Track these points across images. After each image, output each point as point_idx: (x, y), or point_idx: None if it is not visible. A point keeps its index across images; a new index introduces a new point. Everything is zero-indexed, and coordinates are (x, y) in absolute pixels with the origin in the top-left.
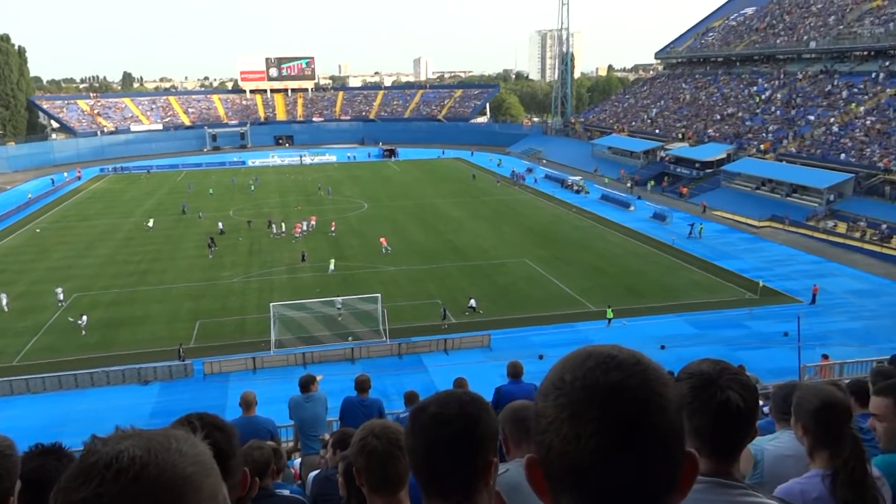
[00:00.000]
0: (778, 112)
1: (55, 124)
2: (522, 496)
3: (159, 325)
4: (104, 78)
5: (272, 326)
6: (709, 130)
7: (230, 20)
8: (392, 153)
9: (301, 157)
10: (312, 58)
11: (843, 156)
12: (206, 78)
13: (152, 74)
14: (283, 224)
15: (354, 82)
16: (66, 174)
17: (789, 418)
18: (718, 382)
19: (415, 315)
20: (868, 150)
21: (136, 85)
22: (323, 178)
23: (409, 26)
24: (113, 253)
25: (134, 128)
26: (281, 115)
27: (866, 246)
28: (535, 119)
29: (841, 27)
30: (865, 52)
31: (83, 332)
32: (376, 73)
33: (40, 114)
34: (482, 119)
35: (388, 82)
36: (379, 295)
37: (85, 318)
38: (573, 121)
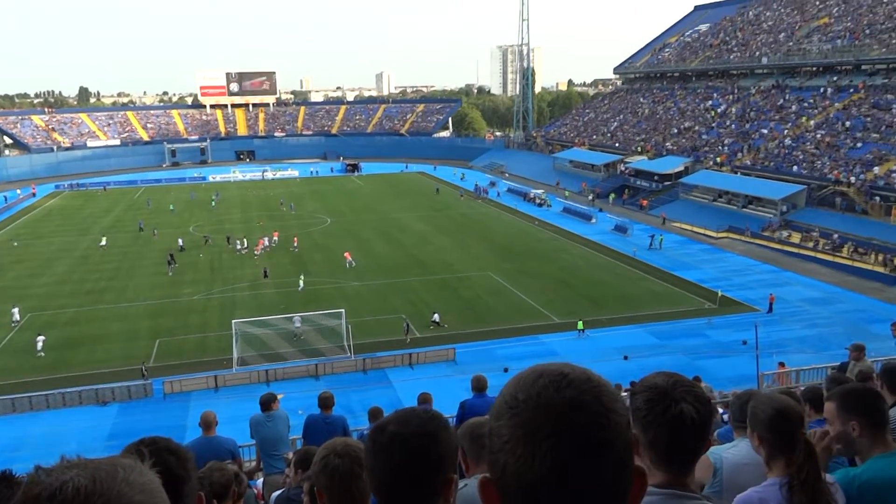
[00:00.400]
0: (733, 126)
1: (8, 140)
2: None
3: (118, 344)
4: (59, 93)
5: (234, 344)
6: (667, 144)
7: (190, 35)
8: (355, 168)
9: (263, 172)
10: (274, 72)
11: (795, 168)
12: (166, 93)
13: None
14: (245, 240)
15: (316, 97)
16: (19, 191)
17: (746, 427)
18: (672, 395)
19: (379, 330)
20: (819, 162)
21: (92, 100)
22: (285, 194)
23: (371, 41)
24: (70, 271)
25: (91, 143)
26: (242, 130)
27: (819, 255)
28: (498, 133)
29: (791, 44)
30: (814, 68)
31: (41, 354)
32: (338, 87)
33: None
34: (445, 133)
35: (350, 97)
36: (343, 310)
37: (42, 338)
38: (535, 135)
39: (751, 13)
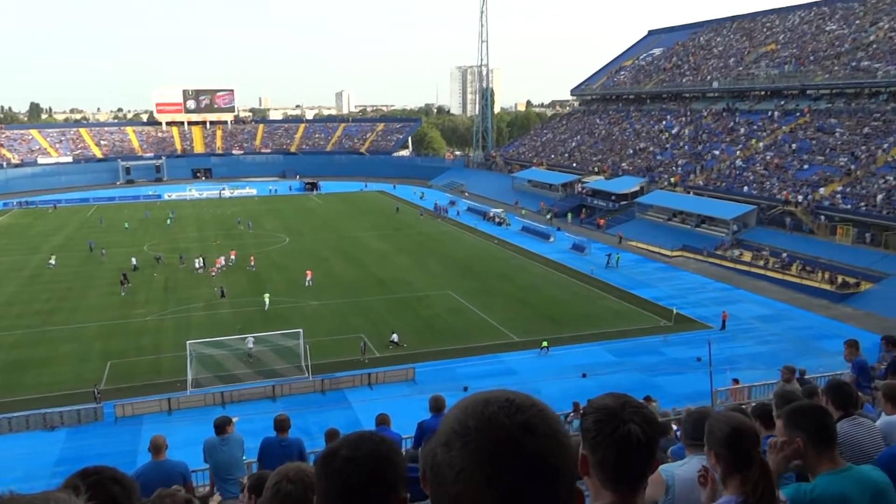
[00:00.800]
0: (686, 147)
1: None
2: None
3: (68, 366)
4: (9, 108)
5: (189, 365)
6: (623, 164)
7: (146, 51)
8: (314, 186)
9: (220, 190)
10: (232, 90)
11: (746, 188)
12: (121, 109)
13: (62, 105)
14: (202, 259)
15: (276, 115)
16: None
17: (699, 444)
18: (621, 416)
19: (338, 350)
20: (768, 183)
21: (44, 116)
22: (243, 212)
23: (331, 60)
24: (18, 291)
25: (41, 160)
26: (199, 148)
27: (769, 273)
28: (457, 153)
29: (740, 68)
30: (762, 92)
31: None
32: (298, 106)
33: None
34: (405, 152)
35: (310, 115)
36: (301, 330)
37: None
38: (494, 154)
39: (702, 39)
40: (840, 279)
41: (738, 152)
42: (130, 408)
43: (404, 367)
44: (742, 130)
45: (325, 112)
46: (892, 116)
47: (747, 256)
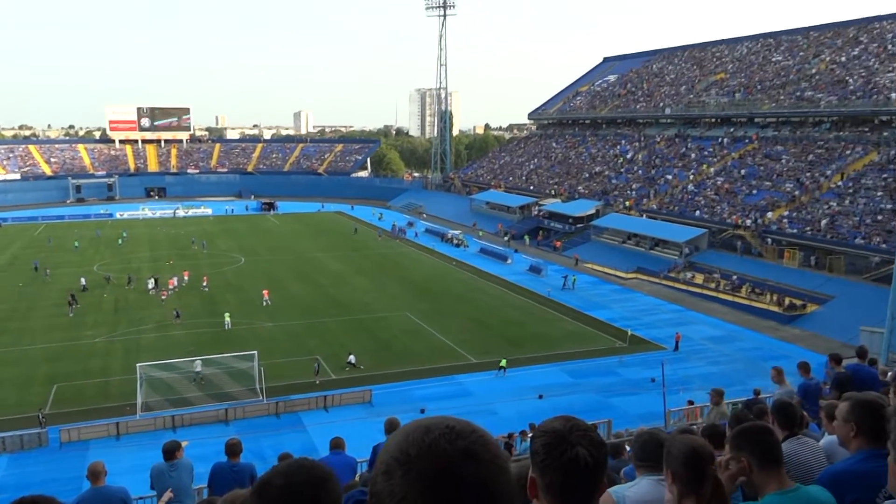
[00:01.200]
0: (640, 171)
1: None
2: None
3: (11, 390)
4: None
5: (138, 388)
6: (579, 187)
7: (99, 67)
8: (271, 206)
9: (175, 209)
10: (188, 108)
11: (697, 212)
12: (72, 126)
13: (10, 121)
14: (154, 280)
15: (232, 134)
16: None
17: (648, 465)
18: (569, 439)
19: (294, 372)
20: (718, 207)
21: None
22: (197, 232)
23: (290, 80)
24: None
25: None
26: (153, 167)
27: (720, 295)
28: (416, 174)
29: (691, 96)
30: (713, 119)
31: None
32: (255, 125)
33: None
34: (363, 173)
35: (267, 135)
36: (256, 352)
37: None
38: (452, 176)
39: (655, 66)
40: (787, 301)
41: (690, 177)
42: (76, 433)
43: (361, 390)
44: (693, 156)
45: (284, 132)
46: (835, 144)
47: (699, 279)
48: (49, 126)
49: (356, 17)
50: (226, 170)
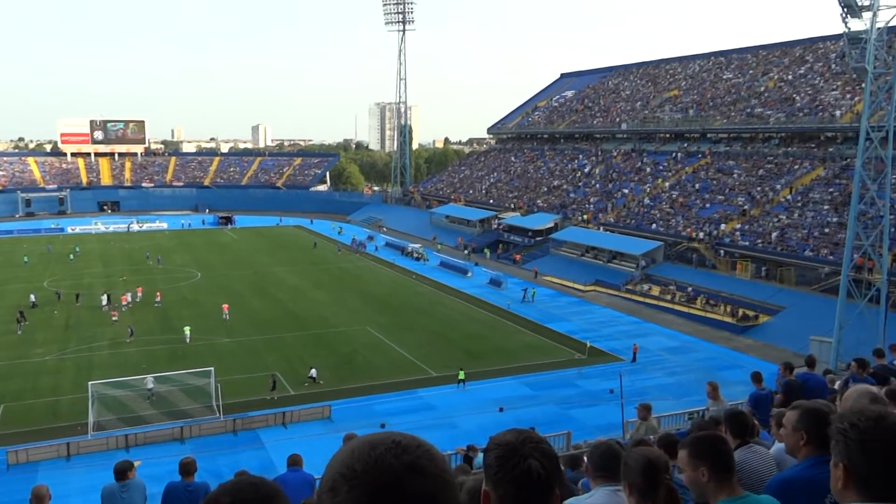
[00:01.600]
0: (597, 185)
1: None
2: None
3: None
4: None
5: (90, 407)
6: (538, 201)
7: (50, 79)
8: (228, 220)
9: (129, 224)
10: (143, 121)
11: (653, 225)
12: (22, 139)
13: None
14: (107, 296)
15: (189, 147)
16: None
17: (604, 475)
18: (522, 451)
19: (251, 388)
20: (674, 220)
21: None
22: (152, 247)
23: (248, 94)
24: None
25: None
26: (106, 180)
27: (676, 307)
28: (376, 188)
29: (646, 112)
30: (667, 135)
31: None
32: (213, 139)
33: None
34: (322, 187)
35: (225, 149)
36: (212, 368)
37: None
38: (412, 190)
39: (611, 83)
40: (741, 312)
41: (646, 190)
42: (25, 454)
43: (320, 405)
44: (649, 170)
45: (241, 146)
46: (784, 160)
47: (656, 291)
48: None
49: (316, 30)
50: (182, 183)
